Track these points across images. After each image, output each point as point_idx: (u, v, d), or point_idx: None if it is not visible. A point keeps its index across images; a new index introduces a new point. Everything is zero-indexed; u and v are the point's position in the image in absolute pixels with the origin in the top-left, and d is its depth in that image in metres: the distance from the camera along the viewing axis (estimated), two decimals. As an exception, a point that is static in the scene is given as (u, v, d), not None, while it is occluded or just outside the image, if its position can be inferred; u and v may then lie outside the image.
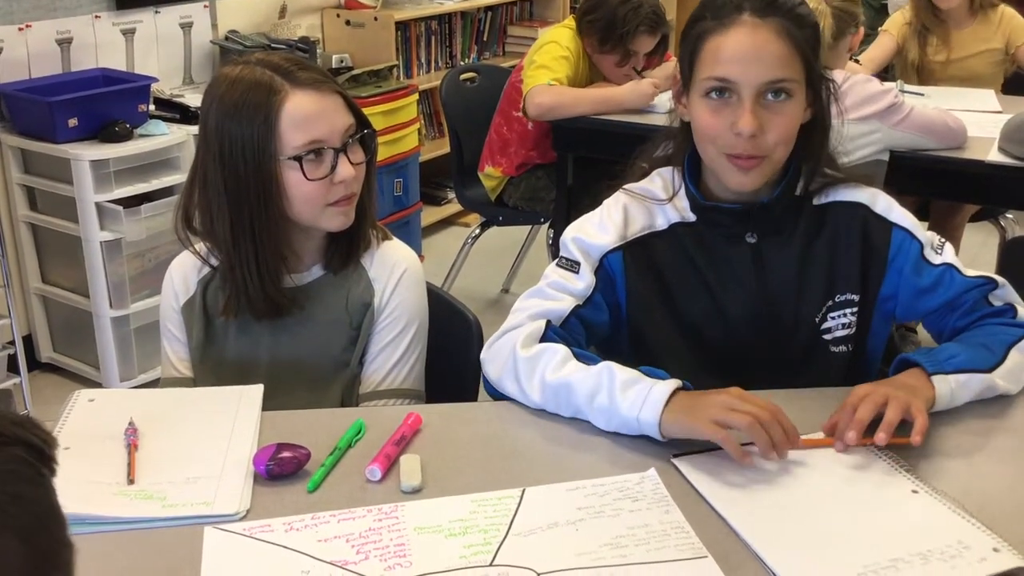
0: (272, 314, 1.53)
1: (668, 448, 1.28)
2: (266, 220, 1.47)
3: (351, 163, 1.47)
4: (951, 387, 1.33)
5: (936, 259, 1.47)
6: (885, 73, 3.61)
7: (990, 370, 1.37)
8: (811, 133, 1.46)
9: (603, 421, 1.32)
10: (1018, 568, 1.06)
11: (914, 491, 1.20)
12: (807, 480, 1.23)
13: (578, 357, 1.36)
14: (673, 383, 1.29)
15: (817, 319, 1.49)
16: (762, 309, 1.48)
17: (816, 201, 1.50)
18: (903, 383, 1.33)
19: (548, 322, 1.42)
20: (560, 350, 1.37)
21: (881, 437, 1.24)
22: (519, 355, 1.38)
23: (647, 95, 3.09)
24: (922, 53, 3.59)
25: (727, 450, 1.22)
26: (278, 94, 1.44)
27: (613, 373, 1.32)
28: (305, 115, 1.44)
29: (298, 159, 1.44)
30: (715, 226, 1.49)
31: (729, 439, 1.22)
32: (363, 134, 1.51)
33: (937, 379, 1.33)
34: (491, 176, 3.50)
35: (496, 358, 1.43)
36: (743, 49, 1.37)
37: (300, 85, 1.45)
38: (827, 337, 1.49)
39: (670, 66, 3.37)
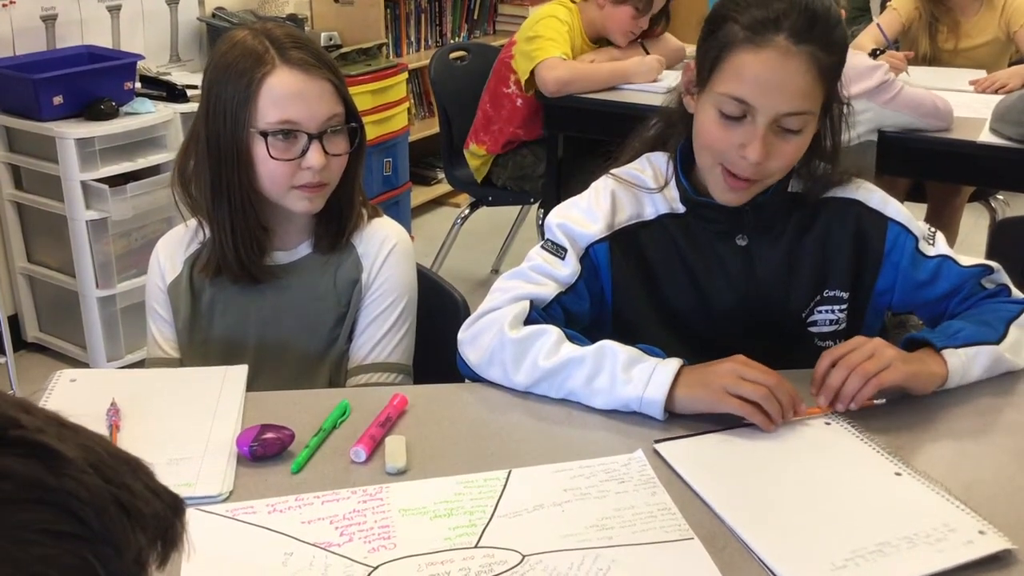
0: (246, 280, 1.53)
1: (655, 430, 1.28)
2: (238, 187, 1.47)
3: (325, 152, 1.45)
4: (962, 360, 1.34)
5: (931, 251, 1.46)
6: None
7: (996, 343, 1.37)
8: (815, 145, 1.42)
9: (600, 401, 1.32)
10: (1004, 550, 1.06)
11: (897, 473, 1.20)
12: (790, 464, 1.23)
13: (570, 339, 1.35)
14: (677, 361, 1.30)
15: (804, 313, 1.48)
16: (748, 303, 1.46)
17: (812, 199, 1.47)
18: (912, 357, 1.33)
19: (531, 303, 1.39)
20: (553, 332, 1.35)
21: (834, 405, 1.31)
22: (508, 337, 1.35)
23: (654, 70, 3.12)
24: (933, 44, 3.57)
25: (751, 419, 1.25)
26: (265, 66, 1.43)
27: (615, 352, 1.31)
28: (284, 94, 1.43)
29: (265, 135, 1.43)
30: (705, 221, 1.46)
31: (752, 410, 1.25)
32: (349, 127, 1.49)
33: (947, 353, 1.33)
34: (475, 155, 3.47)
35: (477, 340, 1.40)
36: (770, 76, 1.30)
37: (289, 63, 1.43)
38: (813, 330, 1.48)
39: (671, 44, 3.38)
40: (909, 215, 1.48)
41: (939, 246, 1.47)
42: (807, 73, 1.31)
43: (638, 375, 1.29)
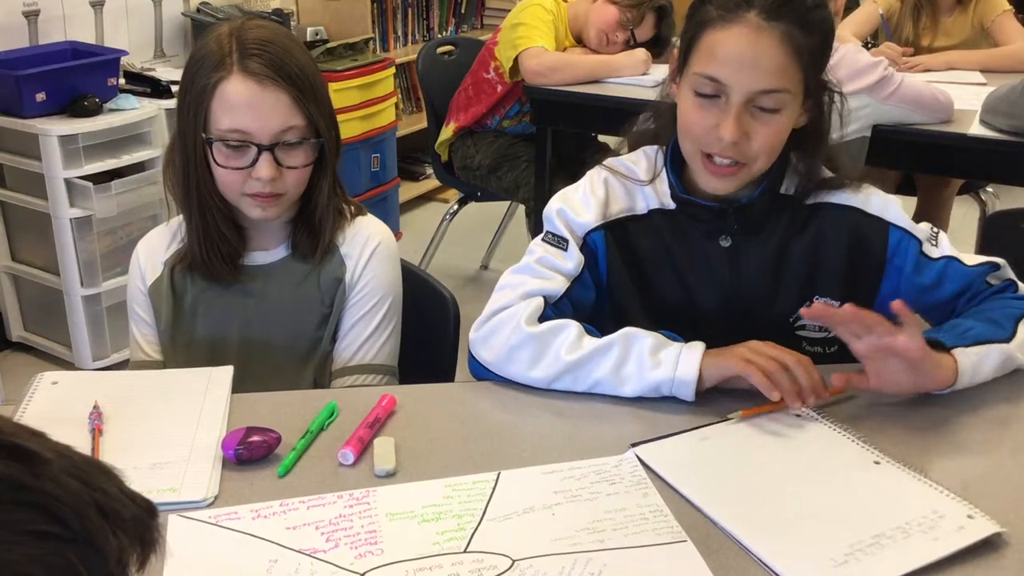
0: (215, 279, 1.52)
1: (643, 432, 1.26)
2: (199, 185, 1.46)
3: (279, 164, 1.42)
4: (972, 360, 1.31)
5: (935, 252, 1.44)
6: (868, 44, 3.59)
7: (1007, 341, 1.34)
8: (805, 138, 1.40)
9: (630, 388, 1.32)
10: (994, 534, 1.06)
11: (876, 462, 1.19)
12: (769, 459, 1.21)
13: (589, 333, 1.34)
14: (700, 344, 1.32)
15: (791, 318, 1.46)
16: (733, 304, 1.45)
17: (804, 200, 1.45)
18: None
19: (545, 299, 1.38)
20: (573, 326, 1.34)
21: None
22: (527, 332, 1.33)
23: (641, 63, 3.09)
24: (915, 32, 3.58)
25: (757, 384, 1.25)
26: (221, 71, 1.40)
27: (641, 339, 1.32)
28: (235, 103, 1.40)
29: (212, 142, 1.41)
30: (693, 219, 1.45)
31: (759, 373, 1.25)
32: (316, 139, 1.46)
33: (957, 352, 1.31)
34: (444, 136, 3.44)
35: (491, 339, 1.37)
36: (741, 52, 1.30)
37: (245, 71, 1.40)
38: (801, 335, 1.47)
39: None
40: (910, 220, 1.45)
41: (943, 247, 1.45)
42: (779, 49, 1.30)
43: (666, 358, 1.30)
